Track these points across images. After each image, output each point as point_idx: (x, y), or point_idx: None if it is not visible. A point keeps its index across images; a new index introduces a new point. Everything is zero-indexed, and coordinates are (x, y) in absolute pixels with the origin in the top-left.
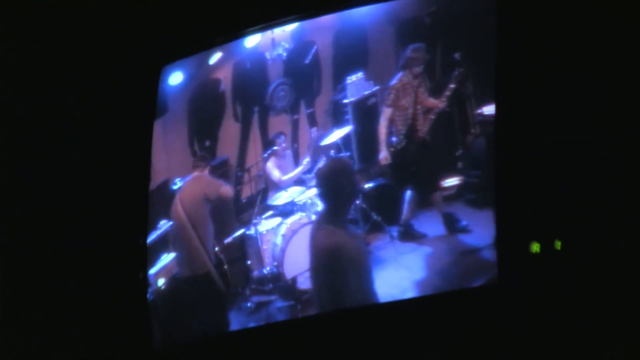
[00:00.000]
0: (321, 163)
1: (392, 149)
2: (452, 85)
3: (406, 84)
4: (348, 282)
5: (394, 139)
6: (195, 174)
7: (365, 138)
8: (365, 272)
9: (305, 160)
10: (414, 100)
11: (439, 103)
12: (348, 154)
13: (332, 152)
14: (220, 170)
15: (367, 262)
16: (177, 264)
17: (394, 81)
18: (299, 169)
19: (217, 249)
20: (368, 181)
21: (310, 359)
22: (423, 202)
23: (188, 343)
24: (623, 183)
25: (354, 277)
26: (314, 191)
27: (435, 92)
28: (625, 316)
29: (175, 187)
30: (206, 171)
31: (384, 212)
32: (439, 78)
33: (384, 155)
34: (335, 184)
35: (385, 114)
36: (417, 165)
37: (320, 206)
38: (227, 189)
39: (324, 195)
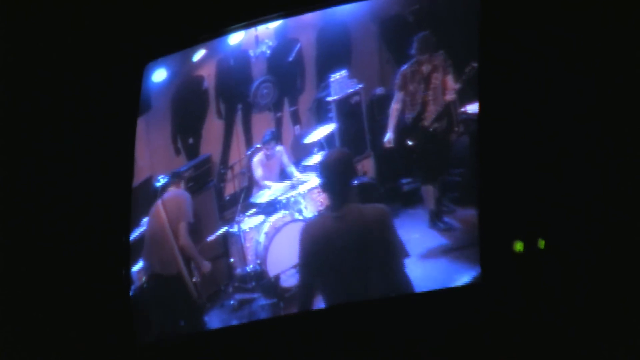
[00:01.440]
0: (319, 157)
1: (397, 134)
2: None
3: (415, 71)
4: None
5: (400, 123)
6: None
7: (349, 136)
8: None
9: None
10: (425, 87)
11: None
12: None
13: (315, 149)
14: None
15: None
16: (155, 264)
17: (404, 67)
18: (282, 185)
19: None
20: None
21: (293, 357)
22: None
23: (171, 340)
24: (606, 181)
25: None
26: (297, 189)
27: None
28: (610, 314)
29: (158, 184)
30: (182, 184)
31: None
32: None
33: (389, 137)
34: (341, 171)
35: (397, 97)
36: (417, 154)
37: (308, 202)
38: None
39: (331, 183)
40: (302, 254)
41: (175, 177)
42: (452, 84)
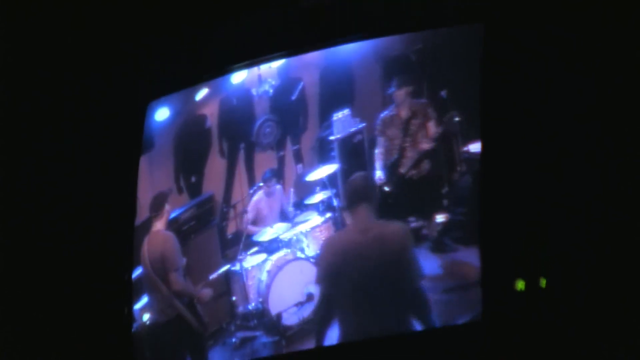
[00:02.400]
0: (321, 195)
1: (380, 180)
2: (439, 129)
3: (394, 116)
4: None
5: (381, 170)
6: (156, 224)
7: (351, 175)
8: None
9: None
10: (403, 134)
11: (425, 144)
12: (334, 191)
13: (317, 188)
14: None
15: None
16: (151, 308)
17: (385, 112)
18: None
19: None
20: None
21: None
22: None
23: None
24: (608, 223)
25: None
26: (299, 228)
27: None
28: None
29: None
30: (165, 217)
31: None
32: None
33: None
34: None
35: (379, 142)
36: (397, 199)
37: (310, 241)
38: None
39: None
40: (323, 264)
41: (155, 210)
42: (434, 129)
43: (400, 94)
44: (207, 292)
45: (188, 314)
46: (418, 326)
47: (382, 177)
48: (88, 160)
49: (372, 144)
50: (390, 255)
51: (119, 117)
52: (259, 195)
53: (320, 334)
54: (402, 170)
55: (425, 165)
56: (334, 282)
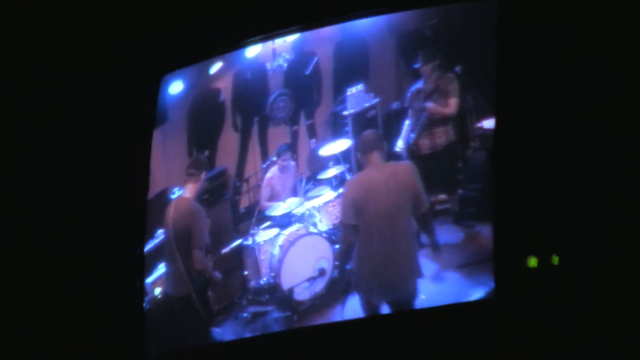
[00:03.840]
0: (335, 170)
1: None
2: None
3: (420, 90)
4: None
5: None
6: (189, 187)
7: None
8: None
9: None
10: (426, 107)
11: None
12: (347, 166)
13: (331, 163)
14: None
15: None
16: (165, 279)
17: (415, 85)
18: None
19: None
20: None
21: None
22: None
23: (184, 352)
24: (622, 199)
25: None
26: (311, 203)
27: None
28: (622, 332)
29: (173, 196)
30: (199, 184)
31: None
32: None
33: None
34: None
35: (408, 114)
36: (427, 171)
37: (323, 215)
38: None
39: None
40: (348, 200)
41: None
42: (454, 105)
43: (427, 68)
44: (217, 276)
45: (195, 298)
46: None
47: (406, 148)
48: (103, 134)
49: (403, 116)
50: (403, 186)
51: (133, 90)
52: (272, 171)
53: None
54: (422, 142)
55: (442, 139)
56: (360, 213)
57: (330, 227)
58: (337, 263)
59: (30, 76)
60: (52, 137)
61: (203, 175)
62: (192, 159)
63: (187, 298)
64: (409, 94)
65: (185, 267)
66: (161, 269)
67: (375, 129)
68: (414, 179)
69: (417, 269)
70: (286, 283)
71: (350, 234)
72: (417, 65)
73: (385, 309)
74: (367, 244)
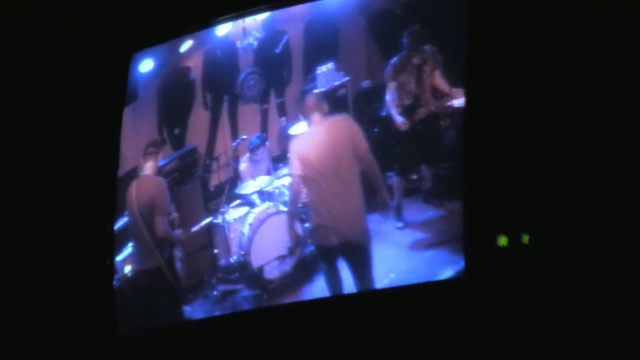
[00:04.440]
0: None
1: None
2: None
3: (404, 62)
4: None
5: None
6: (149, 165)
7: None
8: None
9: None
10: (417, 80)
11: (452, 92)
12: None
13: None
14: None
15: None
16: (134, 256)
17: (393, 59)
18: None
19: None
20: None
21: (275, 348)
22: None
23: (154, 330)
24: (592, 178)
25: None
26: (281, 181)
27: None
28: (592, 311)
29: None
30: (158, 160)
31: None
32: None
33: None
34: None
35: (390, 87)
36: (401, 148)
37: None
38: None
39: None
40: (292, 153)
41: (151, 148)
42: (441, 82)
43: (411, 40)
44: (179, 235)
45: (166, 269)
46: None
47: (396, 123)
48: (73, 112)
49: (382, 91)
50: (340, 138)
51: (103, 68)
52: (244, 161)
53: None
54: (413, 116)
55: (413, 117)
56: (304, 165)
57: (300, 205)
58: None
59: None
60: (22, 121)
61: (161, 154)
62: (146, 144)
63: (156, 270)
64: (389, 67)
65: (153, 240)
66: (130, 247)
67: (314, 94)
68: (351, 131)
69: (363, 218)
70: (256, 261)
71: (298, 184)
72: (387, 44)
73: (339, 256)
74: (317, 193)
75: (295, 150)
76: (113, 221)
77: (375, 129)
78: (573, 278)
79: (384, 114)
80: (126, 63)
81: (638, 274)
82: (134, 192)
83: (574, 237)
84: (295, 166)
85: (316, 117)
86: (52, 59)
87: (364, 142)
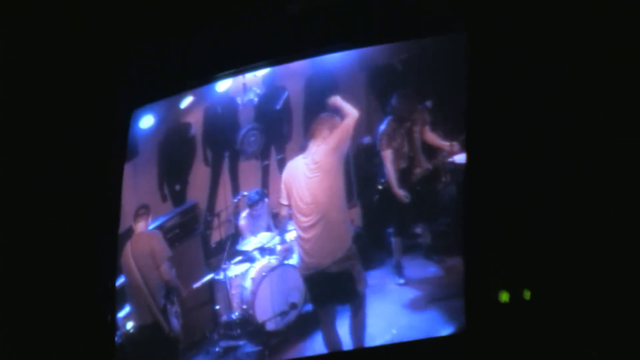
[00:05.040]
0: None
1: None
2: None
3: (396, 128)
4: None
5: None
6: (140, 225)
7: None
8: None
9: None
10: (409, 142)
11: (446, 146)
12: None
13: None
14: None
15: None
16: (132, 314)
17: (383, 126)
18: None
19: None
20: None
21: None
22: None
23: None
24: (592, 235)
25: None
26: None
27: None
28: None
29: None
30: (148, 221)
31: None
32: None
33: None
34: None
35: (385, 156)
36: (399, 209)
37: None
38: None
39: None
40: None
41: (141, 210)
42: (432, 137)
43: (402, 102)
44: (179, 285)
45: (164, 324)
46: None
47: (397, 195)
48: (74, 168)
49: (375, 157)
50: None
51: (103, 125)
52: (243, 218)
53: None
54: (413, 178)
55: (414, 174)
56: (288, 195)
57: (300, 260)
58: (308, 295)
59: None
60: (24, 176)
61: (151, 215)
62: (134, 210)
63: (154, 326)
64: (381, 136)
65: (151, 295)
66: (128, 307)
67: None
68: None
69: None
70: (259, 314)
71: (284, 211)
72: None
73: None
74: (300, 222)
75: (283, 178)
76: (114, 277)
77: (374, 187)
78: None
79: (383, 180)
80: (127, 119)
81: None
82: (130, 251)
83: (578, 292)
84: (281, 194)
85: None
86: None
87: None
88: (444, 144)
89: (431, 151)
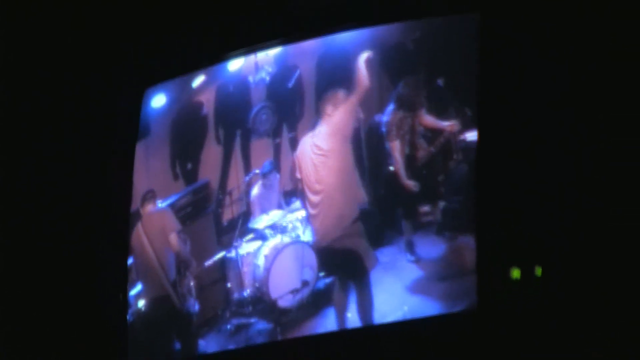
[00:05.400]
0: None
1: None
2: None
3: (401, 118)
4: None
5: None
6: (147, 208)
7: None
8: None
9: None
10: (411, 128)
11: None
12: None
13: None
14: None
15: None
16: (144, 290)
17: (386, 117)
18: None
19: (176, 277)
20: None
21: None
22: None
23: None
24: (606, 210)
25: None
26: (294, 215)
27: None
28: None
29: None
30: (156, 204)
31: (368, 236)
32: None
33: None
34: None
35: (393, 147)
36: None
37: (306, 227)
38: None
39: None
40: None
41: (148, 194)
42: (430, 120)
43: (407, 90)
44: (189, 258)
45: (177, 301)
46: None
47: (405, 185)
48: (86, 147)
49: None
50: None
51: (115, 104)
52: (256, 189)
53: None
54: (418, 163)
55: (425, 151)
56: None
57: (312, 237)
58: (321, 274)
59: (30, 76)
60: (35, 156)
61: (156, 199)
62: (142, 196)
63: (166, 300)
64: (385, 121)
65: (162, 268)
66: (139, 286)
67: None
68: None
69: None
70: (273, 292)
71: (299, 185)
72: (398, 87)
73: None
74: (309, 199)
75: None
76: (126, 256)
77: (385, 166)
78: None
79: (391, 169)
80: (139, 98)
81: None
82: (141, 229)
83: (589, 268)
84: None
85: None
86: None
87: None
88: (444, 124)
89: (432, 134)
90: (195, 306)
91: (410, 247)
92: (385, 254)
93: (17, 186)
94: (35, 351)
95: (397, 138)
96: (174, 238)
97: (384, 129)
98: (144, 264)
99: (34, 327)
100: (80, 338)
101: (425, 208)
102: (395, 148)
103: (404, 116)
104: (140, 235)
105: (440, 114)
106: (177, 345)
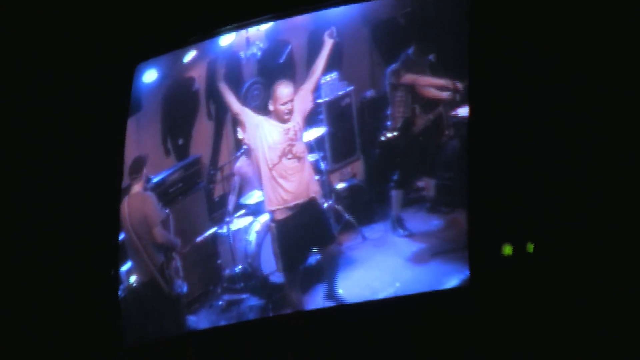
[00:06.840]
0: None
1: (388, 136)
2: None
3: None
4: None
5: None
6: (135, 187)
7: (339, 138)
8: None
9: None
10: (412, 93)
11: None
12: (321, 154)
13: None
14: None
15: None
16: (133, 268)
17: (393, 66)
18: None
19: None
20: (340, 182)
21: (279, 357)
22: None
23: (159, 341)
24: (595, 186)
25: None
26: None
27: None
28: (596, 319)
29: (147, 185)
30: (141, 184)
31: (356, 213)
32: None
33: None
34: None
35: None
36: (401, 160)
37: None
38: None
39: None
40: None
41: (134, 174)
42: (434, 91)
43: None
44: (178, 242)
45: (161, 281)
46: None
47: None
48: (77, 122)
49: (385, 101)
50: None
51: (107, 79)
52: (241, 160)
53: None
54: (414, 128)
55: (417, 127)
56: None
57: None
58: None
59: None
60: (25, 130)
61: (144, 172)
62: (130, 164)
63: (153, 282)
64: (386, 80)
65: (147, 253)
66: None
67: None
68: None
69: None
70: (264, 268)
71: None
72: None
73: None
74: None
75: None
76: (117, 232)
77: (377, 140)
78: (574, 279)
79: (388, 124)
80: (130, 73)
81: (638, 274)
82: (126, 209)
83: (580, 245)
84: None
85: None
86: (52, 59)
87: None
88: (442, 94)
89: (430, 103)
90: (183, 287)
91: (400, 223)
92: (376, 231)
93: (17, 186)
94: (30, 327)
95: (400, 105)
96: (157, 230)
97: (387, 82)
98: (130, 242)
99: (27, 304)
100: (73, 315)
101: (420, 183)
102: (397, 113)
103: (408, 83)
104: (125, 212)
105: (437, 86)
106: (169, 321)
